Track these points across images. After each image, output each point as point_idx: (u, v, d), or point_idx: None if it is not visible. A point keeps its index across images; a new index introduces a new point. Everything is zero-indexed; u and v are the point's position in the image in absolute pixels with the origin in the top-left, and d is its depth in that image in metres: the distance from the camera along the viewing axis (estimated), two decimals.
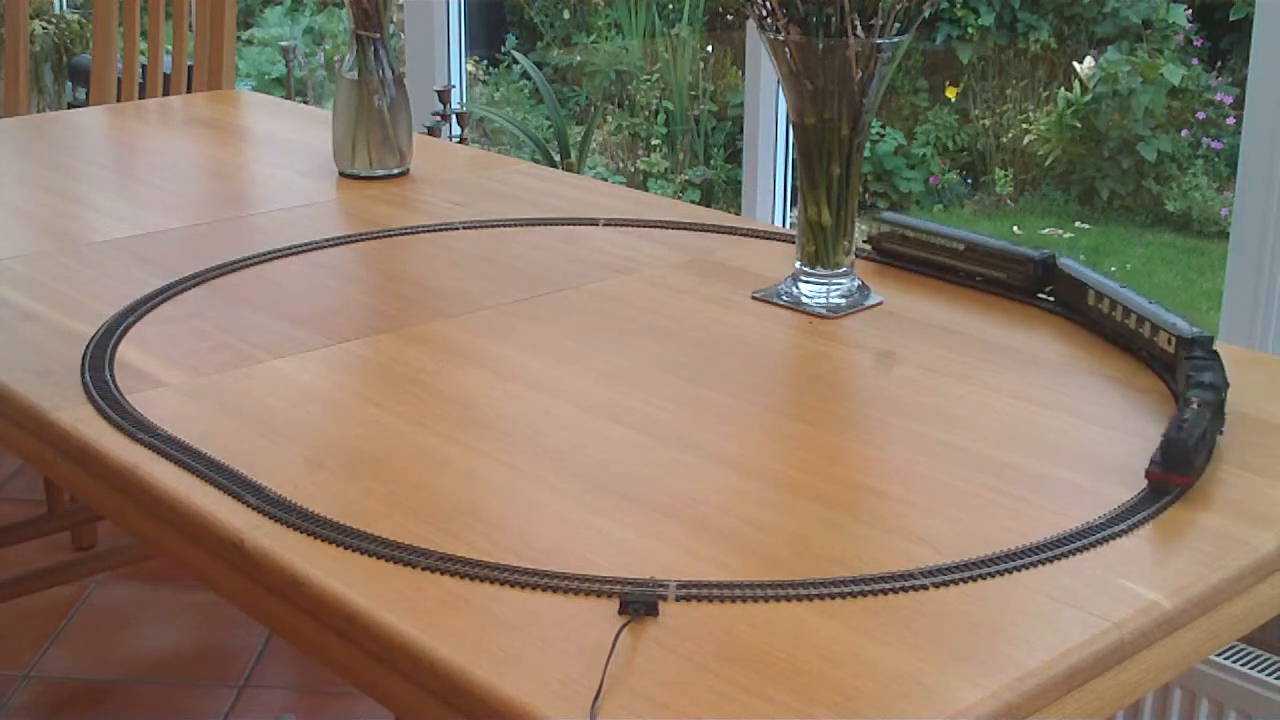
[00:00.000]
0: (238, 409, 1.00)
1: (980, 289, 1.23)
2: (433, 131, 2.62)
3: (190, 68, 2.39)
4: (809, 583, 0.77)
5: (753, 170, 2.43)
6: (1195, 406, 0.90)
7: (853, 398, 1.06)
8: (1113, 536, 0.82)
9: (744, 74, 2.47)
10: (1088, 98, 3.74)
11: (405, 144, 1.61)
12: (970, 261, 1.24)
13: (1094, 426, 0.98)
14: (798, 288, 1.20)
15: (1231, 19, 3.64)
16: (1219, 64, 3.76)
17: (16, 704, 2.06)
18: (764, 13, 1.12)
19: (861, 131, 1.15)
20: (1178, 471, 0.87)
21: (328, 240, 1.37)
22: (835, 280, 1.19)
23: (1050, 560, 0.80)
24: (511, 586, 0.77)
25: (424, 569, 0.79)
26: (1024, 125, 3.90)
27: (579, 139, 3.25)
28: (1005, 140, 3.94)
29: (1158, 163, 3.69)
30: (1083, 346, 1.12)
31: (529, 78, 4.15)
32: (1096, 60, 3.74)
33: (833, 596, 0.76)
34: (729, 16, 4.08)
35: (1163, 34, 3.73)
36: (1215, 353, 0.99)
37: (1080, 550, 0.81)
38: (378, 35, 1.56)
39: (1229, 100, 3.65)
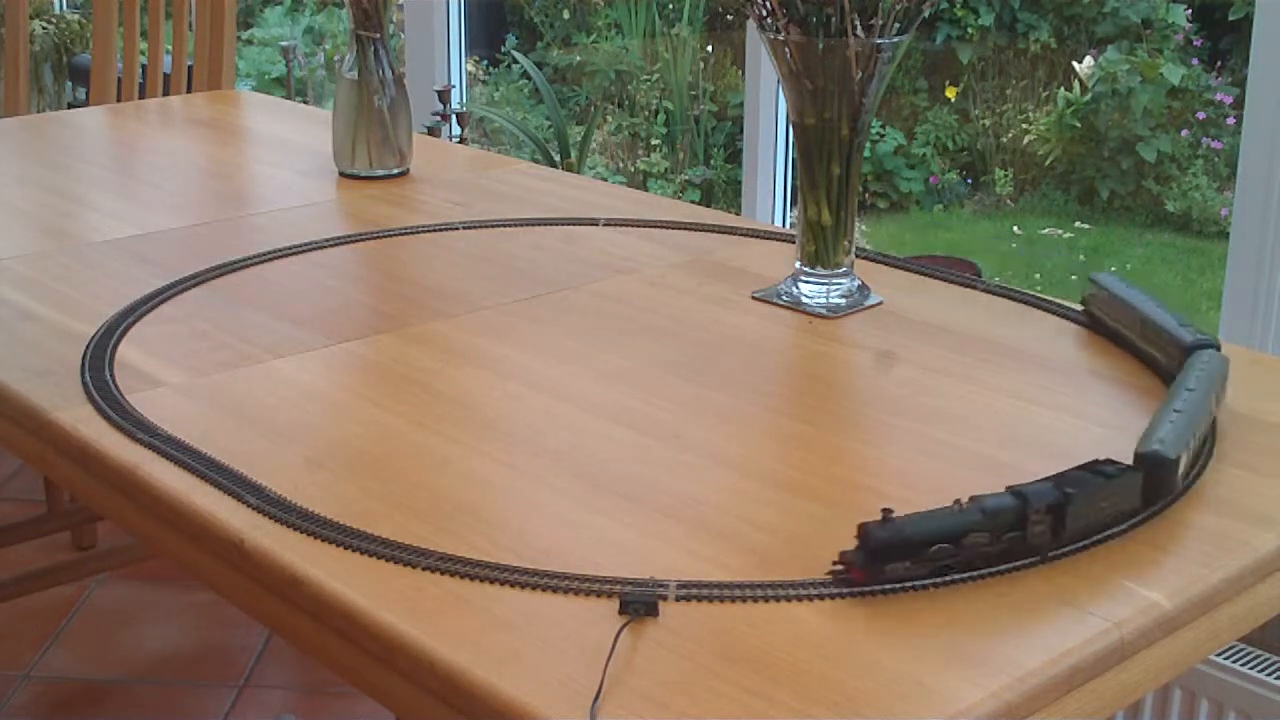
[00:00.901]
0: (238, 409, 1.00)
1: (1153, 372, 1.06)
2: (433, 131, 2.62)
3: (190, 68, 2.38)
4: (809, 583, 0.77)
5: (753, 170, 2.43)
6: (956, 507, 0.76)
7: (853, 398, 1.06)
8: (1113, 536, 0.82)
9: (744, 74, 2.47)
10: (1087, 97, 3.74)
11: (405, 144, 1.60)
12: (1142, 338, 1.07)
13: (1094, 426, 0.98)
14: (798, 288, 1.20)
15: (1231, 19, 3.64)
16: (1219, 64, 3.76)
17: (16, 704, 2.06)
18: (764, 13, 1.11)
19: (861, 131, 1.15)
20: (858, 566, 0.76)
21: (328, 240, 1.37)
22: (835, 280, 1.19)
23: (1050, 560, 0.80)
24: (511, 586, 0.77)
25: (424, 569, 0.79)
26: (1024, 125, 3.89)
27: (579, 139, 3.25)
28: (1005, 140, 3.94)
29: (1157, 163, 3.69)
30: (1083, 346, 1.12)
31: (529, 78, 4.15)
32: (1096, 60, 3.74)
33: (833, 596, 0.76)
34: (729, 16, 4.08)
35: (1162, 34, 3.73)
36: (1145, 473, 0.84)
37: (1080, 550, 0.81)
38: (378, 35, 1.56)
39: (1229, 100, 3.65)
